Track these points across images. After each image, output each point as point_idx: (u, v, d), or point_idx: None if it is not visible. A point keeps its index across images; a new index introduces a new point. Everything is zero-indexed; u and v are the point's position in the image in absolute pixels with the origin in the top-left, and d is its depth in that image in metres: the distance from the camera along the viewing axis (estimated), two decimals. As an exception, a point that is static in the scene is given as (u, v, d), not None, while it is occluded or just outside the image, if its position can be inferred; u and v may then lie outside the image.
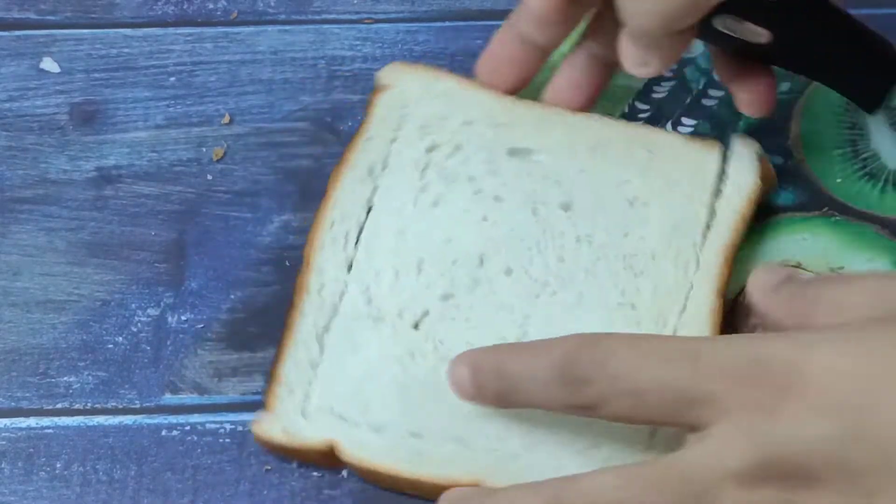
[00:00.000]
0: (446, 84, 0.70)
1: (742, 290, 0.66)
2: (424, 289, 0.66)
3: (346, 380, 0.64)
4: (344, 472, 0.64)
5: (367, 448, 0.62)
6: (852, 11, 0.70)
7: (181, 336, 0.68)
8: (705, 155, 0.69)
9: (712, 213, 0.67)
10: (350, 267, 0.66)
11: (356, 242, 0.67)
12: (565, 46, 0.69)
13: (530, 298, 0.65)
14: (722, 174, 0.68)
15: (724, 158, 0.68)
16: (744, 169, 0.68)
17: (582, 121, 0.69)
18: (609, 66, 0.69)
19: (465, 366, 0.62)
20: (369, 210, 0.68)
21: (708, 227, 0.67)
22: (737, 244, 0.67)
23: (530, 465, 0.62)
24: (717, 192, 0.68)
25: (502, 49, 0.69)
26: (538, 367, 0.59)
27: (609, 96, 0.72)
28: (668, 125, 0.72)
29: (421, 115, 0.70)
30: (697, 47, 0.75)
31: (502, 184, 0.68)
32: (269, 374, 0.64)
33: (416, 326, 0.65)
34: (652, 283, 0.66)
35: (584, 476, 0.58)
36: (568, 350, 0.59)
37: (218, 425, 0.66)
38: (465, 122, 0.69)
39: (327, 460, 0.63)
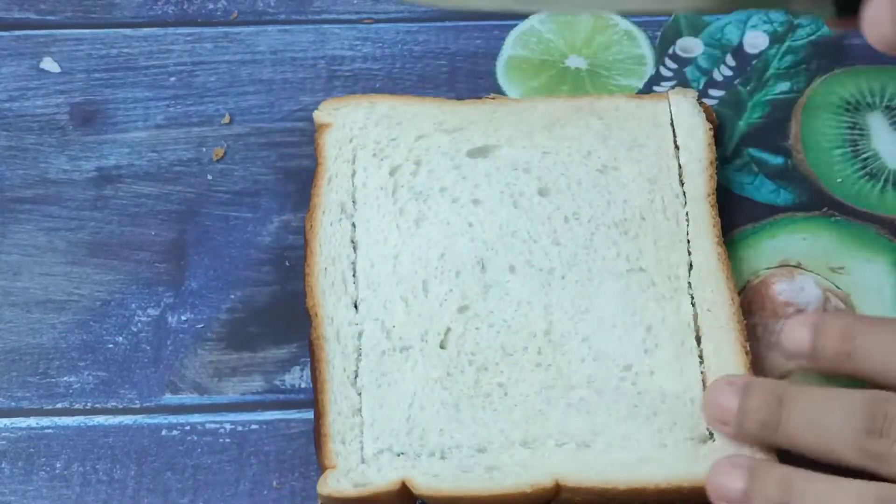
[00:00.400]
0: (385, 106, 0.70)
1: (745, 286, 0.67)
2: (438, 307, 0.66)
3: (393, 416, 0.63)
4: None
5: (439, 477, 0.62)
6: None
7: (181, 336, 0.68)
8: (655, 108, 0.70)
9: (679, 165, 0.68)
10: (357, 306, 0.66)
11: (354, 281, 0.67)
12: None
13: (543, 288, 0.66)
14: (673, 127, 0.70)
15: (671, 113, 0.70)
16: (690, 116, 0.69)
17: (528, 106, 0.70)
18: None
19: (807, 326, 0.62)
20: (355, 247, 0.68)
21: (681, 179, 0.68)
22: (714, 188, 0.68)
23: (603, 452, 0.62)
24: (677, 146, 0.69)
25: None
26: (889, 337, 0.61)
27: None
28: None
29: (371, 143, 0.70)
30: (698, 47, 0.75)
31: (475, 186, 0.68)
32: (315, 434, 0.64)
33: (442, 346, 0.65)
34: (651, 241, 0.66)
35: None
36: None
37: (218, 425, 0.66)
38: (417, 136, 0.70)
39: (402, 499, 0.63)
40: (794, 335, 0.63)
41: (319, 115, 0.70)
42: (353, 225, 0.68)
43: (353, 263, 0.67)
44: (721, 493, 0.60)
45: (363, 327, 0.65)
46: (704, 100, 0.72)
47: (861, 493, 0.58)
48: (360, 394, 0.64)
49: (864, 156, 0.71)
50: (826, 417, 0.60)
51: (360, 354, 0.65)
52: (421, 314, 0.65)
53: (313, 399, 0.64)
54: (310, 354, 0.65)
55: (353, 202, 0.68)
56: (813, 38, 0.75)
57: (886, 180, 0.71)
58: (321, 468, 0.63)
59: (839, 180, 0.71)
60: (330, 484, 0.62)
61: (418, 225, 0.67)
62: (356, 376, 0.64)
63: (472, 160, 0.69)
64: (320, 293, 0.66)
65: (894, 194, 0.70)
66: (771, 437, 0.61)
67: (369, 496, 0.62)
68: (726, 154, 0.71)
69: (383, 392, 0.64)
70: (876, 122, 0.72)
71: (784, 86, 0.73)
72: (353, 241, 0.67)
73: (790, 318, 0.65)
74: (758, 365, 0.65)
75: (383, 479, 0.62)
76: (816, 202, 0.70)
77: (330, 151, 0.69)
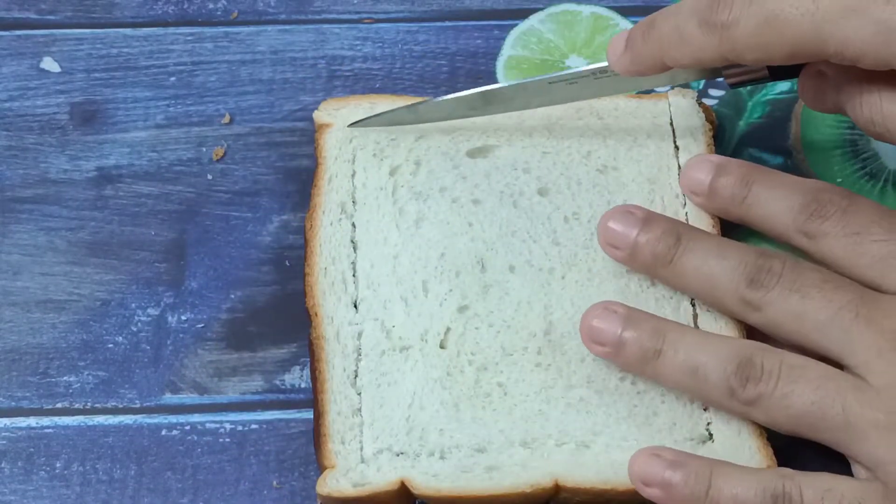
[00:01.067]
0: (385, 106, 0.70)
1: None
2: (438, 307, 0.66)
3: (393, 416, 0.64)
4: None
5: (438, 477, 0.62)
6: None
7: (181, 336, 0.68)
8: (654, 108, 0.70)
9: (679, 166, 0.68)
10: (356, 306, 0.66)
11: (354, 281, 0.67)
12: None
13: (543, 288, 0.66)
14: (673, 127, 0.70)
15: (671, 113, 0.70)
16: (689, 117, 0.69)
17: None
18: None
19: (708, 166, 0.65)
20: (355, 247, 0.68)
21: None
22: None
23: (603, 452, 0.62)
24: (676, 146, 0.69)
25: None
26: (785, 190, 0.64)
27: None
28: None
29: (371, 143, 0.70)
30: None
31: (474, 186, 0.68)
32: (315, 434, 0.64)
33: (442, 346, 0.65)
34: None
35: (810, 474, 0.59)
36: (821, 188, 0.63)
37: (218, 425, 0.66)
38: (417, 137, 0.69)
39: (401, 499, 0.63)
40: (696, 171, 0.66)
41: (320, 116, 0.70)
42: (354, 225, 0.68)
43: (354, 263, 0.67)
44: (596, 336, 0.63)
45: (363, 327, 0.65)
46: (704, 100, 0.72)
47: (726, 344, 0.61)
48: (359, 394, 0.64)
49: (864, 156, 0.71)
50: (716, 263, 0.62)
51: (359, 354, 0.65)
52: (421, 314, 0.65)
53: (313, 399, 0.64)
54: (309, 354, 0.65)
55: (354, 202, 0.68)
56: (813, 38, 0.75)
57: (886, 180, 0.71)
58: (320, 468, 0.63)
59: (839, 180, 0.71)
60: (329, 484, 0.62)
61: (418, 225, 0.67)
62: (356, 376, 0.64)
63: (471, 160, 0.69)
64: (320, 293, 0.66)
65: (894, 194, 0.70)
66: (660, 271, 0.64)
67: (368, 496, 0.62)
68: (726, 154, 0.71)
69: (383, 392, 0.64)
70: (876, 123, 0.72)
71: (784, 86, 0.73)
72: (353, 241, 0.68)
73: (695, 157, 0.66)
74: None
75: (382, 478, 0.62)
76: (816, 202, 0.70)
77: (330, 151, 0.69)
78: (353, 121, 0.70)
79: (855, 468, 0.60)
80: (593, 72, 0.66)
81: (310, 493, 0.64)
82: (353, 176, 0.69)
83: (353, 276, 0.67)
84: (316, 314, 0.66)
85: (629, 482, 0.61)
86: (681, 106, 0.70)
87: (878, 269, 0.61)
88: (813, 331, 0.60)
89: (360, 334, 0.65)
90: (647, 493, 0.61)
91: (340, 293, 0.66)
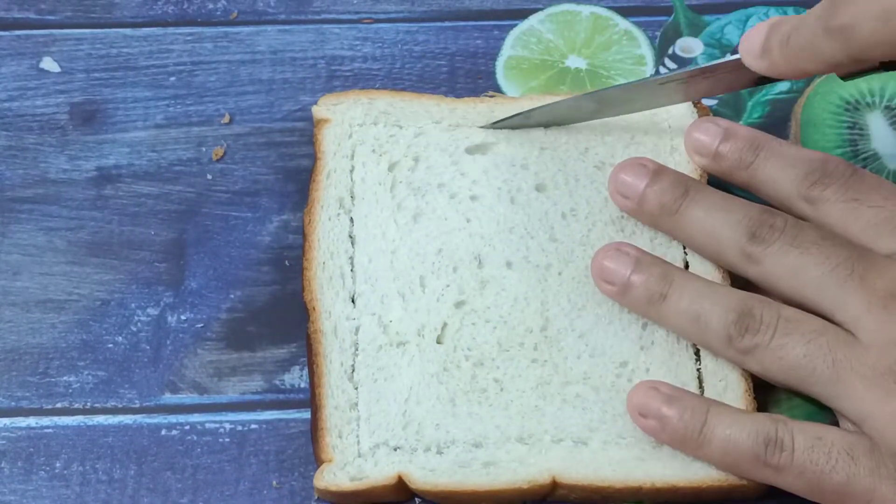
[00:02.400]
0: (383, 102, 0.71)
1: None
2: (435, 303, 0.66)
3: (389, 411, 0.64)
4: (417, 501, 0.64)
5: (435, 471, 0.62)
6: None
7: (181, 336, 0.68)
8: None
9: (675, 165, 0.68)
10: (354, 301, 0.66)
11: (352, 275, 0.67)
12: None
13: (540, 284, 0.66)
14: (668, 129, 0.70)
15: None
16: (683, 118, 0.70)
17: (525, 105, 0.70)
18: None
19: (718, 130, 0.66)
20: (353, 242, 0.68)
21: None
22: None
23: (600, 449, 0.63)
24: (673, 146, 0.69)
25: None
26: (790, 158, 0.65)
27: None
28: (668, 124, 0.72)
29: (370, 138, 0.70)
30: (698, 47, 0.75)
31: (473, 182, 0.68)
32: (312, 428, 0.64)
33: (439, 341, 0.65)
34: (647, 239, 0.67)
35: (802, 422, 0.61)
36: (825, 159, 0.64)
37: (218, 425, 0.66)
38: (416, 133, 0.70)
39: (398, 494, 0.63)
40: (704, 133, 0.66)
41: (318, 111, 0.71)
42: (352, 220, 0.68)
43: (352, 258, 0.67)
44: (606, 275, 0.64)
45: (360, 322, 0.65)
46: (704, 100, 0.72)
47: (728, 294, 0.63)
48: (356, 388, 0.64)
49: (864, 156, 0.71)
50: (721, 216, 0.64)
51: (357, 349, 0.65)
52: (418, 309, 0.65)
53: (310, 393, 0.64)
54: (307, 348, 0.65)
55: (352, 197, 0.68)
56: (813, 38, 0.75)
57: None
58: (318, 462, 0.63)
59: (839, 180, 0.71)
60: (326, 477, 0.63)
61: (416, 220, 0.67)
62: (353, 370, 0.65)
63: (470, 156, 0.69)
64: (318, 287, 0.66)
65: (894, 194, 0.70)
66: (666, 222, 0.65)
67: (366, 490, 0.62)
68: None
69: (380, 386, 0.64)
70: (876, 123, 0.72)
71: (784, 86, 0.73)
72: (351, 236, 0.68)
73: (702, 119, 0.67)
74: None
75: (380, 473, 0.62)
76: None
77: (329, 147, 0.70)
78: (352, 117, 0.70)
79: (842, 422, 0.61)
80: (702, 71, 0.66)
81: (309, 493, 0.64)
82: (351, 171, 0.69)
83: (351, 270, 0.67)
84: (314, 308, 0.66)
85: (626, 480, 0.62)
86: (677, 108, 0.70)
87: (870, 233, 0.62)
88: (809, 286, 0.62)
89: (357, 329, 0.65)
90: (643, 424, 0.62)
91: (338, 288, 0.66)
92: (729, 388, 0.63)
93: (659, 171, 0.65)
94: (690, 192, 0.64)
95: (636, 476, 0.62)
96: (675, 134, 0.69)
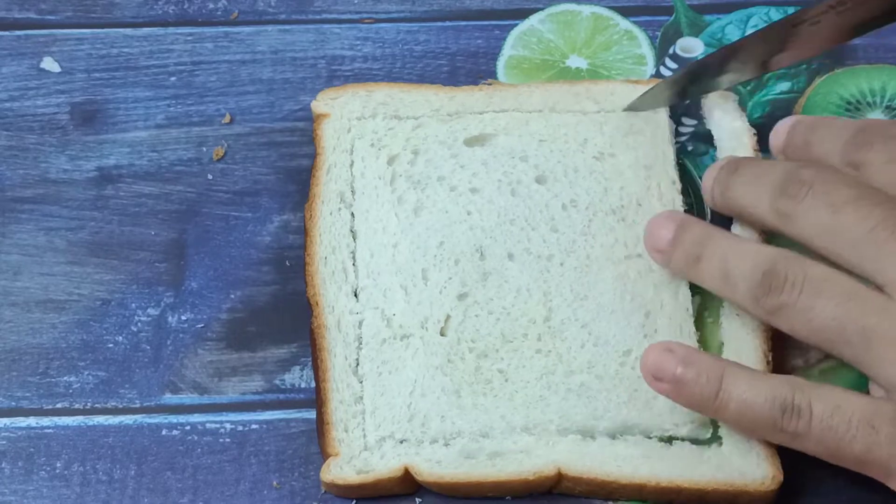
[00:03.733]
0: (381, 94, 0.71)
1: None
2: (437, 295, 0.66)
3: (394, 404, 0.64)
4: (417, 500, 0.64)
5: (441, 463, 0.63)
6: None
7: (181, 336, 0.68)
8: None
9: (674, 152, 0.69)
10: (357, 295, 0.66)
11: (354, 270, 0.67)
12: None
13: (542, 275, 0.66)
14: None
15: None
16: (733, 120, 0.70)
17: (524, 92, 0.70)
18: None
19: (791, 121, 0.66)
20: (355, 237, 0.68)
21: (678, 165, 0.69)
22: None
23: (608, 444, 0.63)
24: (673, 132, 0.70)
25: None
26: (837, 128, 0.64)
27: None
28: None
29: (369, 132, 0.70)
30: (698, 47, 0.75)
31: (473, 174, 0.68)
32: (318, 423, 0.64)
33: (442, 333, 0.65)
34: None
35: (821, 387, 0.60)
36: (867, 124, 0.64)
37: (218, 425, 0.66)
38: (415, 126, 0.70)
39: (405, 486, 0.63)
40: (781, 126, 0.66)
41: (317, 106, 0.71)
42: (353, 214, 0.68)
43: (353, 253, 0.67)
44: (653, 241, 0.65)
45: (363, 316, 0.65)
46: (705, 100, 0.72)
47: (757, 253, 0.62)
48: (361, 382, 0.64)
49: (865, 156, 0.71)
50: (760, 179, 0.63)
51: (360, 343, 0.65)
52: (421, 302, 0.66)
53: (315, 389, 0.64)
54: (311, 344, 0.65)
55: (353, 192, 0.69)
56: (813, 38, 0.75)
57: (887, 180, 0.71)
58: (324, 456, 0.63)
59: (839, 180, 0.71)
60: (333, 471, 0.63)
61: (417, 214, 0.68)
62: (357, 364, 0.65)
63: (469, 149, 0.69)
64: (321, 282, 0.66)
65: (894, 194, 0.70)
66: (722, 197, 0.65)
67: (372, 483, 0.62)
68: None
69: (384, 380, 0.64)
70: (875, 122, 0.72)
71: (784, 86, 0.73)
72: (352, 231, 0.68)
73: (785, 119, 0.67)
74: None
75: (386, 465, 0.62)
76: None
77: (328, 142, 0.70)
78: (350, 111, 0.70)
79: (872, 386, 0.60)
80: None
81: (310, 493, 0.64)
82: (351, 166, 0.69)
83: (353, 265, 0.67)
84: (317, 303, 0.66)
85: (631, 477, 0.62)
86: (723, 109, 0.70)
87: None
88: (846, 247, 0.60)
89: (360, 323, 0.65)
90: (657, 387, 0.61)
91: (341, 282, 0.66)
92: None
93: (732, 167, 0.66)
94: (739, 163, 0.65)
95: (641, 473, 0.62)
96: (721, 136, 0.70)
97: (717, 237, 0.63)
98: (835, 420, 0.58)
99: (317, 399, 0.64)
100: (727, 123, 0.70)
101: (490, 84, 0.72)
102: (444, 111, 0.70)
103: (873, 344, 0.59)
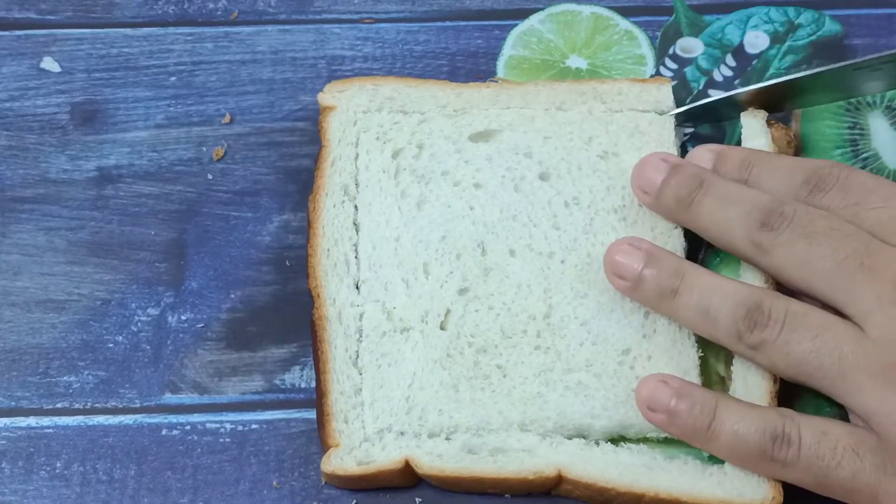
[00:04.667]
0: (388, 88, 0.71)
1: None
2: (438, 289, 0.66)
3: (393, 396, 0.64)
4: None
5: (443, 457, 0.63)
6: (852, 11, 0.70)
7: (181, 336, 0.68)
8: (657, 93, 0.70)
9: (679, 153, 0.69)
10: (358, 287, 0.67)
11: (356, 262, 0.67)
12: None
13: (542, 272, 0.66)
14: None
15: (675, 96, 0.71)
16: (756, 137, 0.69)
17: (531, 90, 0.70)
18: None
19: (711, 152, 0.66)
20: (357, 229, 0.68)
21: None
22: None
23: (611, 451, 0.63)
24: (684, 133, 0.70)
25: None
26: (784, 170, 0.64)
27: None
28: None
29: (375, 125, 0.70)
30: (698, 47, 0.75)
31: (476, 170, 0.68)
32: (318, 414, 0.64)
33: (442, 327, 0.65)
34: (649, 228, 0.67)
35: (809, 417, 0.61)
36: (819, 166, 0.64)
37: (218, 425, 0.66)
38: (421, 120, 0.70)
39: (405, 479, 0.64)
40: (699, 155, 0.66)
41: (324, 98, 0.71)
42: (356, 207, 0.68)
43: (356, 245, 0.67)
44: (618, 270, 0.64)
45: (364, 308, 0.66)
46: (705, 101, 0.72)
47: (738, 289, 0.62)
48: (361, 374, 0.64)
49: (864, 156, 0.71)
50: (732, 207, 0.63)
51: (362, 336, 0.65)
52: (421, 296, 0.66)
53: (315, 381, 0.64)
54: (312, 335, 0.65)
55: (357, 185, 0.69)
56: (813, 38, 0.75)
57: (887, 180, 0.71)
58: (324, 447, 0.63)
59: (839, 180, 0.71)
60: (333, 462, 0.63)
61: (420, 207, 0.68)
62: (358, 356, 0.65)
63: (473, 144, 0.69)
64: (322, 274, 0.66)
65: (894, 194, 0.70)
66: (682, 214, 0.65)
67: (372, 474, 0.63)
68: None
69: (383, 372, 0.64)
70: (876, 122, 0.72)
71: (784, 86, 0.73)
72: (355, 223, 0.68)
73: (700, 146, 0.67)
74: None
75: (387, 457, 0.63)
76: (816, 202, 0.70)
77: (334, 134, 0.70)
78: (357, 104, 0.70)
79: (851, 417, 0.61)
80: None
81: (310, 493, 0.64)
82: (356, 158, 0.69)
83: (356, 257, 0.67)
84: (318, 295, 0.66)
85: (631, 486, 0.62)
86: (752, 127, 0.69)
87: (877, 233, 0.62)
88: (818, 278, 0.61)
89: (361, 315, 0.65)
90: (652, 417, 0.62)
91: (343, 274, 0.66)
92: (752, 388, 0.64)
93: (678, 166, 0.65)
94: (705, 185, 0.64)
95: (641, 483, 0.62)
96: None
97: (695, 271, 0.63)
98: (822, 448, 0.59)
99: (317, 391, 0.64)
100: (751, 141, 0.69)
101: (497, 82, 0.72)
102: (451, 107, 0.70)
103: (847, 374, 0.60)
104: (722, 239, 0.64)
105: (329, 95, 0.71)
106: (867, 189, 0.63)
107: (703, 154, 0.66)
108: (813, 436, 0.60)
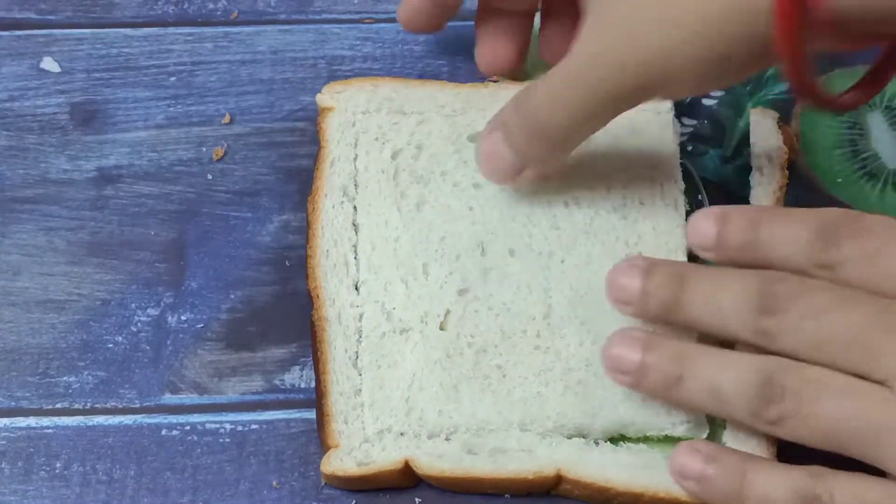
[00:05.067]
0: (387, 88, 0.71)
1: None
2: (438, 290, 0.66)
3: (392, 397, 0.64)
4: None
5: (442, 458, 0.63)
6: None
7: (181, 336, 0.68)
8: None
9: (680, 153, 0.69)
10: (358, 288, 0.67)
11: (356, 263, 0.67)
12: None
13: (542, 272, 0.66)
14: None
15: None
16: (767, 139, 0.69)
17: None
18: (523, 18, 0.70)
19: (712, 218, 0.62)
20: (357, 230, 0.68)
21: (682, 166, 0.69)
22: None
23: (610, 450, 0.63)
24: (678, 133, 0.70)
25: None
26: (792, 227, 0.60)
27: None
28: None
29: (374, 126, 0.70)
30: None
31: (476, 170, 0.68)
32: (318, 415, 0.64)
33: (442, 328, 0.65)
34: (650, 227, 0.67)
35: (843, 476, 0.58)
36: (827, 218, 0.60)
37: (218, 425, 0.66)
38: (420, 121, 0.70)
39: (405, 480, 0.64)
40: (700, 226, 0.62)
41: (322, 99, 0.71)
42: (355, 207, 0.68)
43: (355, 246, 0.67)
44: (617, 364, 0.62)
45: (364, 309, 0.66)
46: (704, 100, 0.72)
47: (745, 365, 0.60)
48: (361, 374, 0.64)
49: (864, 156, 0.71)
50: (723, 296, 0.60)
51: (361, 336, 0.65)
52: (421, 296, 0.66)
53: (315, 382, 0.65)
54: (311, 336, 0.65)
55: (356, 185, 0.69)
56: (813, 38, 0.75)
57: (886, 180, 0.71)
58: (324, 448, 0.63)
59: (839, 180, 0.71)
60: (333, 463, 0.63)
61: (419, 208, 0.68)
62: (357, 357, 0.65)
63: (473, 145, 0.69)
64: (322, 275, 0.66)
65: (894, 194, 0.70)
66: (672, 316, 0.62)
67: (372, 475, 0.63)
68: (726, 154, 0.71)
69: (383, 373, 0.64)
70: (876, 122, 0.72)
71: (784, 86, 0.73)
72: (354, 224, 0.68)
73: (697, 212, 0.63)
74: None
75: (387, 458, 0.63)
76: (816, 202, 0.70)
77: (332, 135, 0.70)
78: (355, 105, 0.70)
79: (890, 478, 0.58)
80: None
81: (310, 493, 0.64)
82: (355, 159, 0.69)
83: (355, 258, 0.67)
84: (318, 296, 0.66)
85: (629, 485, 0.62)
86: (761, 126, 0.70)
87: (893, 282, 0.59)
88: (837, 354, 0.59)
89: (361, 316, 0.66)
90: (684, 485, 0.61)
91: (342, 275, 0.67)
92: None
93: (651, 268, 0.62)
94: (687, 280, 0.62)
95: (639, 482, 0.62)
96: (756, 152, 0.69)
97: (696, 351, 0.61)
98: None
99: (316, 391, 0.64)
100: (762, 141, 0.69)
101: (496, 81, 0.72)
102: (450, 108, 0.70)
103: (882, 438, 0.57)
104: (722, 332, 0.61)
105: (327, 96, 0.71)
106: (883, 235, 0.60)
107: (704, 222, 0.62)
108: (848, 499, 0.57)
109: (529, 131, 0.63)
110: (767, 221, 0.61)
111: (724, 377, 0.60)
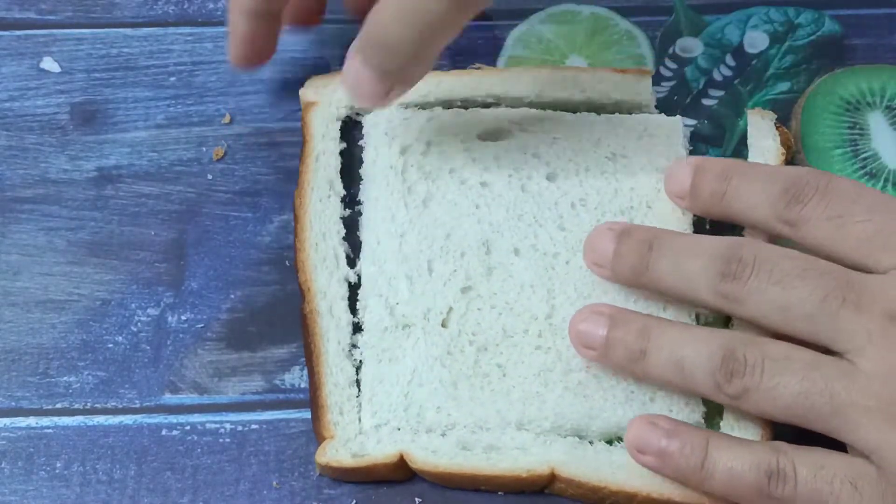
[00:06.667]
0: None
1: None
2: (441, 287, 0.66)
3: (391, 392, 0.64)
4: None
5: (437, 452, 0.63)
6: (852, 11, 0.70)
7: (181, 336, 0.68)
8: (635, 84, 0.71)
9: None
10: (348, 281, 0.67)
11: (346, 256, 0.67)
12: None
13: (546, 272, 0.66)
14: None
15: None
16: (765, 139, 0.69)
17: (511, 77, 0.71)
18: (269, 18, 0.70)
19: (689, 167, 0.64)
20: (345, 223, 0.68)
21: None
22: None
23: (604, 450, 0.63)
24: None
25: (238, 29, 0.70)
26: (762, 180, 0.62)
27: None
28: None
29: (384, 122, 0.70)
30: (698, 47, 0.75)
31: (484, 168, 0.68)
32: (312, 407, 0.64)
33: (444, 325, 0.65)
34: (654, 226, 0.66)
35: (803, 450, 0.59)
36: (798, 175, 0.62)
37: (218, 425, 0.66)
38: (429, 118, 0.70)
39: (399, 473, 0.64)
40: (677, 174, 0.65)
41: (305, 93, 0.71)
42: (360, 201, 0.68)
43: (344, 239, 0.68)
44: (584, 339, 0.63)
45: (367, 303, 0.66)
46: (704, 100, 0.72)
47: (708, 339, 0.61)
48: (355, 366, 0.65)
49: (864, 156, 0.71)
50: (689, 262, 0.62)
51: (353, 327, 0.66)
52: (424, 293, 0.66)
53: (308, 375, 0.65)
54: (302, 329, 0.65)
55: (342, 179, 0.69)
56: (813, 38, 0.75)
57: (886, 180, 0.71)
58: (319, 440, 0.63)
59: (839, 180, 0.71)
60: (328, 453, 0.63)
61: (426, 204, 0.68)
62: (350, 348, 0.65)
63: (482, 143, 0.69)
64: (312, 268, 0.67)
65: (894, 194, 0.70)
66: (642, 280, 0.63)
67: (367, 467, 0.63)
68: (726, 154, 0.71)
69: (383, 368, 0.64)
70: (876, 122, 0.72)
71: (784, 86, 0.73)
72: (342, 218, 0.68)
73: (675, 161, 0.67)
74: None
75: (381, 451, 0.63)
76: (816, 202, 0.70)
77: (317, 129, 0.70)
78: (339, 99, 0.70)
79: (850, 449, 0.60)
80: None
81: (310, 493, 0.64)
82: (340, 153, 0.69)
83: (344, 251, 0.67)
84: (308, 289, 0.66)
85: (623, 485, 0.62)
86: (759, 127, 0.70)
87: (863, 250, 0.61)
88: (800, 321, 0.60)
89: (356, 308, 0.66)
90: (642, 460, 0.61)
91: (332, 268, 0.67)
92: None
93: (625, 232, 0.64)
94: (654, 246, 0.63)
95: (633, 483, 0.62)
96: (753, 153, 0.69)
97: (661, 326, 0.62)
98: (818, 482, 0.58)
99: (310, 384, 0.65)
100: (758, 142, 0.69)
101: (479, 68, 0.72)
102: (432, 96, 0.70)
103: (843, 411, 0.59)
104: (688, 296, 0.63)
105: (311, 91, 0.71)
106: (850, 199, 0.61)
107: (681, 170, 0.65)
108: (809, 470, 0.59)
109: (383, 49, 0.63)
110: (740, 174, 0.64)
111: (688, 351, 0.61)
